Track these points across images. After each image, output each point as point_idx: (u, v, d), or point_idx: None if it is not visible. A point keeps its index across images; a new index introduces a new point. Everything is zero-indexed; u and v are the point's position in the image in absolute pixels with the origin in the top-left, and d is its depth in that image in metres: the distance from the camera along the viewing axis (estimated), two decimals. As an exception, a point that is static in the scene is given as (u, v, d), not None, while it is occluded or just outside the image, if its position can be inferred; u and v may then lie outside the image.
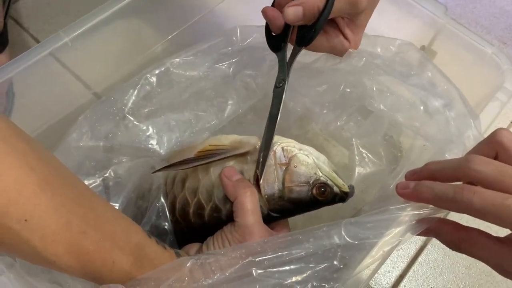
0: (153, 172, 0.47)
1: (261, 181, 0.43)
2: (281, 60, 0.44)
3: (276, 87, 0.44)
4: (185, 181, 0.46)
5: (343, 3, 0.40)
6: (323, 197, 0.43)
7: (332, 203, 0.44)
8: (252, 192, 0.41)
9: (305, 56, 0.51)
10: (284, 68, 0.44)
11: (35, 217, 0.30)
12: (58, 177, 0.32)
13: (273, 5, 0.44)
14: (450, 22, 0.54)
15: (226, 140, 0.46)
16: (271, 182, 0.43)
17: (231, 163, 0.45)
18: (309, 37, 0.42)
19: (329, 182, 0.43)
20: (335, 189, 0.43)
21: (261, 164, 0.43)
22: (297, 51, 0.43)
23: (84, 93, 0.56)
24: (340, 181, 0.44)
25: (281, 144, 0.44)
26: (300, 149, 0.44)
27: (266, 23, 0.44)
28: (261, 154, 0.43)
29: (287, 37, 0.44)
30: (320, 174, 0.43)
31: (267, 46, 0.46)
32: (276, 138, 0.45)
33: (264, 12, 0.43)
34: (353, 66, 0.47)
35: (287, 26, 0.43)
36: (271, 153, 0.44)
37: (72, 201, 0.32)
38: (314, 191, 0.43)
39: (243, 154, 0.45)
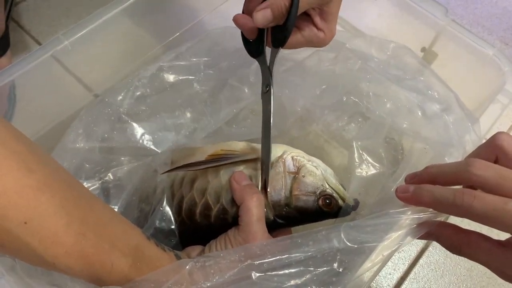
0: (162, 173, 0.47)
1: (268, 188, 0.44)
2: (263, 65, 0.44)
3: (263, 92, 0.44)
4: (194, 182, 0.46)
5: None
6: (328, 208, 0.44)
7: (336, 216, 0.45)
8: (259, 198, 0.42)
9: (296, 54, 0.51)
10: (267, 72, 0.44)
11: (34, 219, 0.30)
12: (57, 180, 0.32)
13: (243, 12, 0.44)
14: (450, 23, 0.53)
15: (237, 146, 0.47)
16: (279, 189, 0.44)
17: (241, 167, 0.45)
18: (282, 36, 0.42)
19: (335, 194, 0.44)
20: (340, 202, 0.44)
21: (264, 171, 0.44)
22: (275, 53, 0.43)
23: (85, 95, 0.56)
24: (345, 195, 0.45)
25: (291, 154, 0.46)
26: (309, 160, 0.46)
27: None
28: (264, 162, 0.44)
29: (263, 41, 0.44)
30: (327, 186, 0.44)
31: None
32: (285, 147, 0.47)
33: (235, 20, 0.43)
34: (349, 69, 0.47)
35: (261, 30, 0.43)
36: (281, 161, 0.45)
37: (71, 203, 0.32)
38: (320, 202, 0.44)
39: (254, 160, 0.45)
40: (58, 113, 0.54)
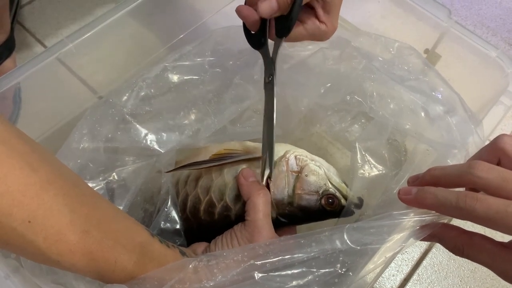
0: (167, 171, 0.48)
1: (271, 186, 0.44)
2: (265, 56, 0.45)
3: (266, 82, 0.44)
4: (199, 180, 0.47)
5: None
6: (331, 207, 0.44)
7: (339, 215, 0.45)
8: (265, 194, 0.42)
9: (300, 51, 0.51)
10: (270, 63, 0.44)
11: (38, 217, 0.30)
12: (60, 177, 0.32)
13: (246, 3, 0.44)
14: (454, 25, 0.53)
15: (240, 145, 0.48)
16: (282, 187, 0.44)
17: (244, 166, 0.46)
18: (287, 26, 0.42)
19: (337, 194, 0.44)
20: (343, 201, 0.44)
21: (268, 164, 0.44)
22: (279, 43, 0.44)
23: (90, 97, 0.56)
24: (349, 193, 0.45)
25: (294, 153, 0.46)
26: (312, 160, 0.46)
27: (243, 22, 0.45)
28: (266, 157, 0.44)
29: (265, 32, 0.44)
30: (330, 186, 0.45)
31: None
32: (288, 147, 0.47)
33: (238, 11, 0.43)
34: (353, 68, 0.47)
35: (263, 22, 0.44)
36: (284, 160, 0.45)
37: (74, 200, 0.32)
38: (322, 201, 0.44)
39: (257, 159, 0.46)
40: (63, 115, 0.54)
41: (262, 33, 0.44)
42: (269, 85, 0.44)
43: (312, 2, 0.43)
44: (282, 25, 0.42)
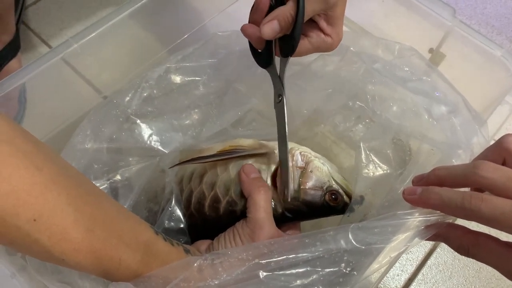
0: (171, 167, 0.48)
1: (278, 181, 0.45)
2: (273, 75, 0.44)
3: (276, 103, 0.44)
4: (203, 176, 0.47)
5: (314, 3, 0.40)
6: (334, 203, 0.45)
7: (343, 212, 0.46)
8: (266, 191, 0.42)
9: (301, 58, 0.51)
10: (278, 82, 0.44)
11: (43, 216, 0.30)
12: (64, 177, 0.32)
13: (250, 21, 0.44)
14: (458, 24, 0.53)
15: (245, 142, 0.48)
16: (289, 182, 0.45)
17: (249, 161, 0.46)
18: (291, 45, 0.42)
19: (340, 190, 0.45)
20: (346, 198, 0.45)
21: (282, 178, 0.44)
22: (285, 62, 0.44)
23: (94, 97, 0.56)
24: (351, 190, 0.46)
25: (299, 149, 0.47)
26: (316, 157, 0.47)
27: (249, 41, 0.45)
28: (281, 169, 0.44)
29: (272, 51, 0.44)
30: (333, 182, 0.46)
31: None
32: (293, 144, 0.48)
33: (243, 30, 0.43)
34: (354, 72, 0.47)
35: (269, 40, 0.43)
36: (290, 156, 0.46)
37: (79, 199, 0.32)
38: (326, 197, 0.45)
39: (262, 155, 0.47)
40: (68, 115, 0.54)
41: (269, 52, 0.44)
42: (279, 106, 0.44)
43: (314, 17, 0.42)
44: (286, 45, 0.42)
